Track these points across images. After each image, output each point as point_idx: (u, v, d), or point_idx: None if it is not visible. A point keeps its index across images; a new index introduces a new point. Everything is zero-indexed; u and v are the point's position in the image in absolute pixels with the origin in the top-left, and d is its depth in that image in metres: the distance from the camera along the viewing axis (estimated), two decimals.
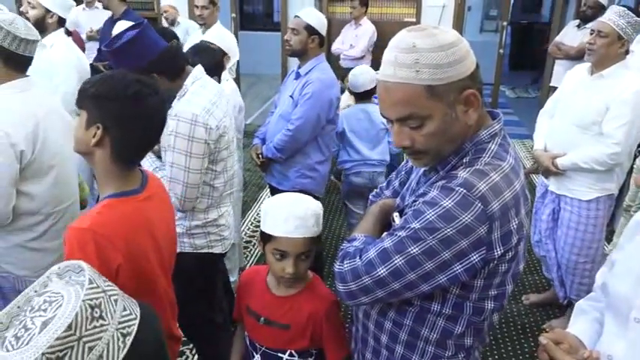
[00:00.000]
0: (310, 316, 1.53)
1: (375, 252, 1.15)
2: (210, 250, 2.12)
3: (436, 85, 1.05)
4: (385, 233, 1.18)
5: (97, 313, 0.73)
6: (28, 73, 1.98)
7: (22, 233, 1.93)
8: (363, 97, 3.27)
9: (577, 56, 4.41)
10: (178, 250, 1.98)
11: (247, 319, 1.62)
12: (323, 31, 2.81)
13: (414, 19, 6.22)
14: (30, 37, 1.89)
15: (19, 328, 0.72)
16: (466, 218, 1.04)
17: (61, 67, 2.98)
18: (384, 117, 1.15)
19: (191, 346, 2.69)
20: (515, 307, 3.16)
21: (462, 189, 1.06)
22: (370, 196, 1.53)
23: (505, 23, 6.46)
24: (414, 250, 1.09)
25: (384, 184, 1.51)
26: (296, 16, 2.82)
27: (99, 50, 4.84)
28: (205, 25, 4.11)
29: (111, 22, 4.39)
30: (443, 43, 1.05)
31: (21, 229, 1.92)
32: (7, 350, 0.71)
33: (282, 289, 1.57)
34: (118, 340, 0.74)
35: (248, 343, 1.64)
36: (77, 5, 5.18)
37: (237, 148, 2.76)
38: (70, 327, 0.70)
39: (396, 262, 1.11)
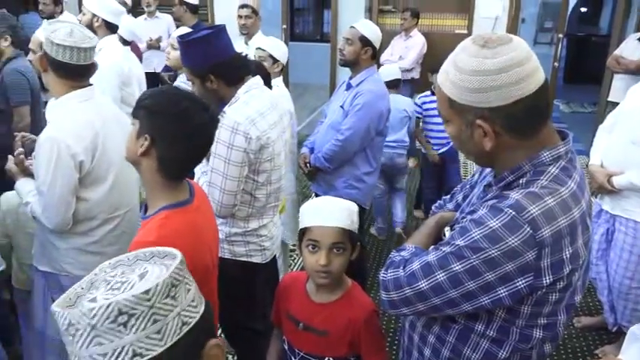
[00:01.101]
0: (349, 324, 1.53)
1: (418, 264, 1.14)
2: (249, 259, 2.13)
3: (454, 100, 1.08)
4: (432, 247, 1.18)
5: (172, 292, 0.77)
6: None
7: (81, 237, 2.00)
8: (390, 86, 3.68)
9: (637, 71, 4.23)
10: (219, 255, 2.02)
11: (286, 324, 1.65)
12: (376, 44, 2.83)
13: (465, 31, 6.15)
14: (67, 43, 1.86)
15: (115, 281, 0.77)
16: (512, 241, 1.02)
17: (104, 72, 3.02)
18: None
19: (234, 351, 2.72)
20: (567, 330, 3.05)
21: (511, 211, 1.03)
22: (433, 208, 1.52)
23: (561, 35, 6.28)
24: (457, 268, 1.07)
25: (448, 197, 1.49)
26: (351, 27, 2.85)
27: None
28: (248, 34, 4.19)
29: None
30: (476, 68, 1.03)
31: (80, 233, 1.99)
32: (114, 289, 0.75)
33: (321, 295, 1.58)
34: (176, 325, 0.77)
35: (287, 347, 1.66)
36: (137, 17, 5.47)
37: (289, 152, 2.79)
38: (147, 292, 0.74)
39: (438, 277, 1.10)
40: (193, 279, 0.84)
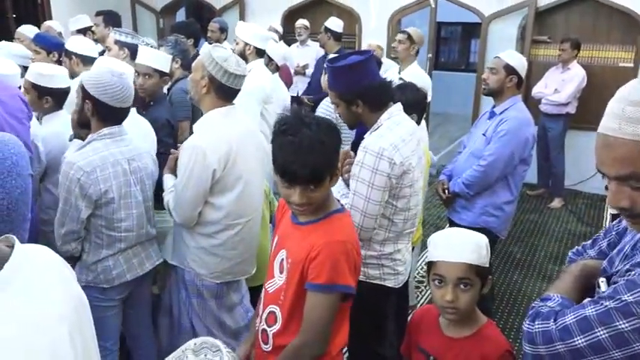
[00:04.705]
0: None
1: (573, 318, 1.04)
2: (383, 283, 2.13)
3: None
4: (587, 299, 1.07)
5: None
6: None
7: (208, 239, 2.21)
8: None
9: None
10: None
11: (416, 356, 1.61)
12: (522, 73, 2.78)
13: (631, 65, 5.57)
14: (238, 72, 2.13)
15: None
16: None
17: (251, 90, 3.26)
18: (600, 172, 1.02)
19: None
20: None
21: None
22: (570, 253, 1.40)
23: None
24: (623, 326, 0.97)
25: (589, 243, 1.37)
26: (496, 57, 2.85)
27: (309, 84, 5.40)
28: (402, 62, 4.22)
29: (323, 58, 4.87)
30: None
31: (205, 235, 2.20)
32: None
33: (454, 329, 1.53)
34: None
35: None
36: (290, 45, 5.90)
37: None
38: None
39: (598, 334, 0.99)
40: None
